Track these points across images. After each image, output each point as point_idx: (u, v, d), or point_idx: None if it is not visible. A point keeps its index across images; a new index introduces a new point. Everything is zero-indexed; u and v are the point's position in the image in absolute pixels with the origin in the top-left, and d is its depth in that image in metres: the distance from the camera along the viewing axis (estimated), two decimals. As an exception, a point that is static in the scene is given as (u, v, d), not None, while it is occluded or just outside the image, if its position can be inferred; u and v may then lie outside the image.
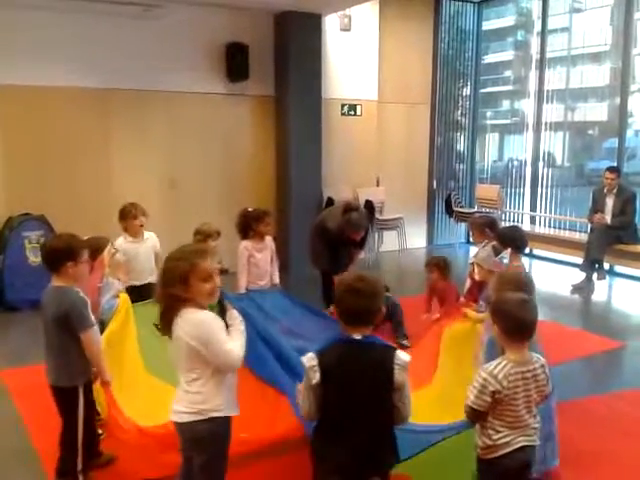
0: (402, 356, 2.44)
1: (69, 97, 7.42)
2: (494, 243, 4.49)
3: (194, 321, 2.54)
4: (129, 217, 5.00)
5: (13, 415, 4.17)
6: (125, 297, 3.88)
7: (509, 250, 4.33)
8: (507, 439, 2.60)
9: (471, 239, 5.08)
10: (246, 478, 3.12)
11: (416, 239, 10.22)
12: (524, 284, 3.17)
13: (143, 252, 5.03)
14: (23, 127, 7.28)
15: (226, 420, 2.65)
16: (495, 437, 2.60)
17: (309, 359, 2.42)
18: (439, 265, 5.35)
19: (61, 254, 3.17)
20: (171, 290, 2.55)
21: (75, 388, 3.20)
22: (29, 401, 3.47)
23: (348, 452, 2.45)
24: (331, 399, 2.43)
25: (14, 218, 7.03)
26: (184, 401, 2.60)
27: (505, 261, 4.26)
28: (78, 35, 7.34)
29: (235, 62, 8.26)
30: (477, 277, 4.29)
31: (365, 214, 5.90)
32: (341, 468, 2.48)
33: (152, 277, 4.80)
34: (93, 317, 3.24)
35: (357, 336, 2.44)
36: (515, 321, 2.62)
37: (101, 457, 3.49)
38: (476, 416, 2.62)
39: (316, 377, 2.39)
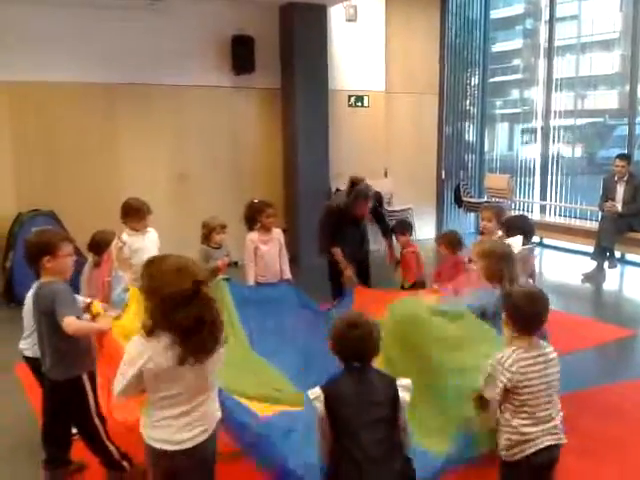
0: (403, 379, 2.50)
1: (76, 93, 7.44)
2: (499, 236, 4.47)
3: None
4: (137, 216, 4.84)
5: (27, 409, 4.22)
6: (135, 290, 3.87)
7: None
8: (532, 436, 2.56)
9: (480, 229, 5.03)
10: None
11: (425, 230, 10.17)
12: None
13: (147, 245, 4.96)
14: (32, 123, 7.31)
15: None
16: (524, 430, 2.57)
17: (313, 392, 2.46)
18: (448, 239, 5.28)
19: (37, 249, 3.16)
20: None
21: (77, 378, 3.22)
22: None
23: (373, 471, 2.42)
24: (341, 432, 2.43)
25: (24, 214, 7.07)
26: (197, 421, 2.43)
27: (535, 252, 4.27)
28: (85, 30, 7.36)
29: (241, 55, 8.25)
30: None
31: (372, 188, 5.71)
32: None
33: None
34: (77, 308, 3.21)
35: (356, 364, 2.50)
36: (524, 315, 2.63)
37: (70, 465, 3.43)
38: (484, 404, 2.64)
39: (320, 408, 2.41)
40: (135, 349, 2.36)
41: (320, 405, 2.41)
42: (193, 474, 2.49)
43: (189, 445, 2.40)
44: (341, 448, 2.43)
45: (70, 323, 3.04)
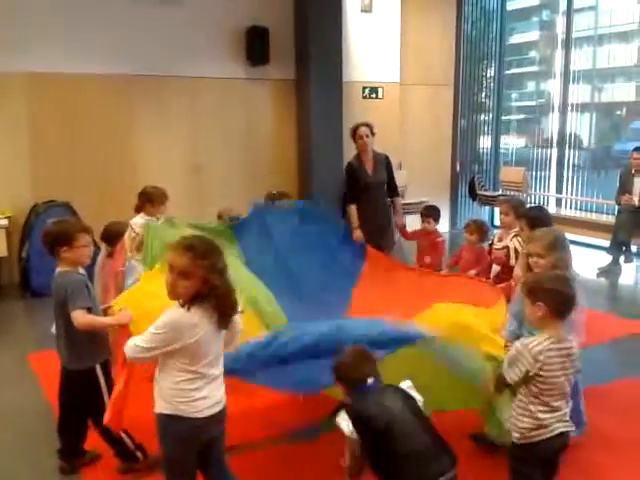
0: (402, 382, 2.73)
1: (93, 84, 7.46)
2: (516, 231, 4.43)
3: None
4: (157, 202, 4.93)
5: (41, 398, 4.27)
6: (148, 273, 3.85)
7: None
8: (548, 422, 2.60)
9: (499, 222, 5.01)
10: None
11: (439, 222, 10.12)
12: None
13: None
14: (49, 115, 7.34)
15: None
16: (542, 416, 2.60)
17: (340, 418, 2.57)
18: (480, 228, 5.26)
19: (54, 239, 3.20)
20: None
21: (90, 370, 3.23)
22: (57, 385, 3.53)
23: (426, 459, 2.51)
24: (390, 438, 2.50)
25: (40, 205, 7.11)
26: (221, 385, 2.66)
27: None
28: (101, 22, 7.37)
29: (255, 46, 8.23)
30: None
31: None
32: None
33: None
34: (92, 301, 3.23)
35: (370, 381, 2.64)
36: (561, 296, 2.63)
37: (85, 455, 3.48)
38: (503, 385, 2.66)
39: (354, 434, 2.53)
40: (181, 321, 2.47)
41: (352, 430, 2.52)
42: (222, 436, 2.73)
43: (222, 405, 2.63)
44: (393, 459, 2.50)
45: (77, 316, 3.07)
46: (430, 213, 5.73)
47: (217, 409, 2.59)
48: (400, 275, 4.77)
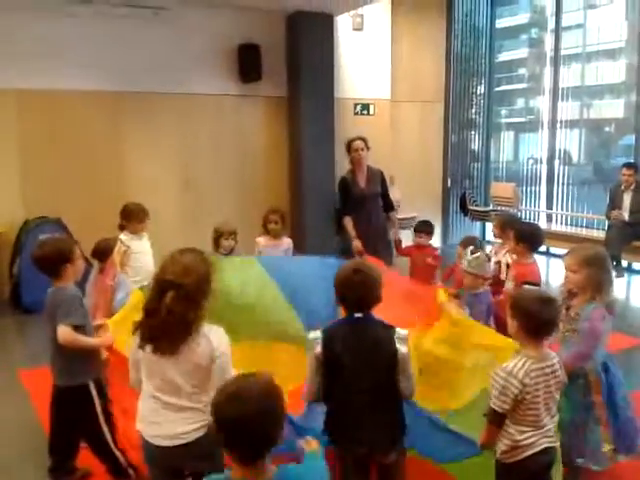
0: (401, 330, 2.61)
1: (83, 101, 7.46)
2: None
3: (219, 333, 2.50)
4: (135, 220, 5.02)
5: (32, 416, 4.22)
6: (138, 292, 3.84)
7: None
8: (532, 440, 2.55)
9: (493, 236, 5.04)
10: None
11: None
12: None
13: (143, 251, 5.03)
14: (39, 131, 7.33)
15: None
16: (519, 437, 2.55)
17: (314, 333, 2.61)
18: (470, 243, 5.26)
19: (57, 259, 3.20)
20: (200, 302, 2.43)
21: (83, 386, 3.21)
22: (48, 402, 3.51)
23: (361, 429, 2.58)
24: (338, 374, 2.57)
25: (31, 221, 7.09)
26: (190, 418, 2.47)
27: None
28: (91, 39, 7.38)
29: (247, 63, 8.27)
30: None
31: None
32: (355, 446, 2.61)
33: (147, 276, 4.80)
34: (86, 318, 3.23)
35: (358, 314, 2.61)
36: (535, 320, 2.57)
37: (76, 473, 3.45)
38: (499, 419, 2.56)
39: (317, 349, 2.56)
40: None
41: (318, 347, 2.55)
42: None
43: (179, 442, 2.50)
44: (336, 391, 2.59)
45: (64, 332, 3.07)
46: (423, 228, 5.75)
47: (170, 443, 2.46)
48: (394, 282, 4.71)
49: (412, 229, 5.96)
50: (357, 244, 5.69)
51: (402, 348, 2.56)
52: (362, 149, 6.01)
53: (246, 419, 1.77)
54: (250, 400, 1.79)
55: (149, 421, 2.49)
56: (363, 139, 6.09)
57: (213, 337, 2.45)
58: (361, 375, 2.56)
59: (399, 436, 2.68)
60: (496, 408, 2.53)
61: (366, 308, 2.62)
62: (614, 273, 7.62)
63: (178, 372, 2.42)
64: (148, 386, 2.49)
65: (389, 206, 6.23)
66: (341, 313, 2.76)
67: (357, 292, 2.60)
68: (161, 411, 2.46)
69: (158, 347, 2.40)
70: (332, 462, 2.55)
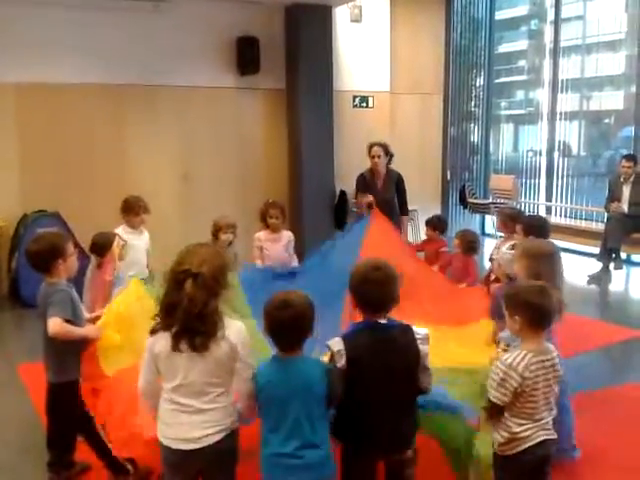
0: (420, 330, 2.56)
1: (82, 94, 7.43)
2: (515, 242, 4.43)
3: (238, 328, 2.44)
4: (132, 213, 5.06)
5: (30, 410, 4.21)
6: (137, 282, 3.82)
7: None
8: (529, 432, 2.56)
9: (497, 230, 5.03)
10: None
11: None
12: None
13: (139, 245, 5.04)
14: (38, 125, 7.31)
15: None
16: (517, 430, 2.56)
17: (336, 343, 2.48)
18: (464, 238, 5.25)
19: (49, 255, 3.17)
20: (219, 293, 2.38)
21: (76, 382, 3.22)
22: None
23: (378, 431, 2.51)
24: (359, 382, 2.47)
25: (29, 215, 7.07)
26: (206, 422, 2.41)
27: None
28: (90, 32, 7.35)
29: (246, 56, 8.23)
30: (494, 274, 4.23)
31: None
32: (371, 448, 2.55)
33: (140, 271, 4.80)
34: (77, 311, 3.22)
35: (382, 320, 2.53)
36: (536, 309, 2.58)
37: (75, 467, 3.44)
38: (497, 411, 2.57)
39: (342, 362, 2.45)
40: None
41: (342, 359, 2.45)
42: None
43: (197, 446, 2.45)
44: (356, 396, 2.48)
45: (54, 323, 3.05)
46: (434, 222, 5.74)
47: (185, 447, 2.40)
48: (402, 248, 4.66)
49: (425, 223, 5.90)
50: (368, 197, 5.67)
51: (424, 348, 2.53)
52: (379, 156, 6.05)
53: (290, 320, 2.34)
54: (294, 306, 2.36)
55: (166, 423, 2.44)
56: (383, 145, 6.10)
57: (233, 332, 2.39)
58: (384, 381, 2.48)
59: (414, 434, 2.63)
60: (495, 400, 2.54)
61: (386, 310, 2.53)
62: (612, 265, 7.69)
63: (201, 371, 2.36)
64: (166, 387, 2.42)
65: (401, 210, 6.37)
66: None
67: (377, 291, 2.49)
68: (178, 413, 2.40)
69: (191, 343, 2.32)
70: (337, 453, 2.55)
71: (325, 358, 2.55)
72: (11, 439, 3.94)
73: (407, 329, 2.55)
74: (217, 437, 2.39)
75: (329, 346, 2.47)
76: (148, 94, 7.84)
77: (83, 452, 3.42)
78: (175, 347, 2.32)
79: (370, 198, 5.73)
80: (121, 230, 4.92)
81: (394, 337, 2.52)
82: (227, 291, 2.41)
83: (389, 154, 6.22)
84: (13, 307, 6.83)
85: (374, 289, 2.49)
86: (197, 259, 2.36)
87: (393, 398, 2.51)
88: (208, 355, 2.34)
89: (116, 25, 7.51)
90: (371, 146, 6.17)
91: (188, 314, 2.29)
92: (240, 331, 2.42)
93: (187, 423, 2.38)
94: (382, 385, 2.48)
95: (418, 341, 2.51)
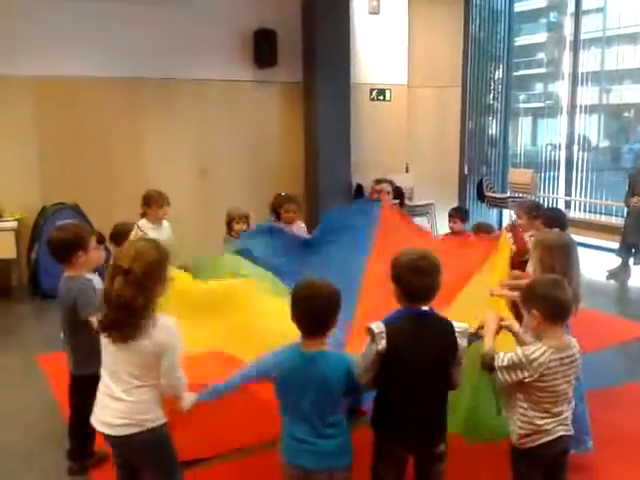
0: (459, 325, 2.54)
1: (100, 87, 7.48)
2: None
3: (169, 325, 2.51)
4: (155, 205, 5.07)
5: (50, 400, 4.28)
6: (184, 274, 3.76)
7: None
8: (549, 426, 2.57)
9: (515, 223, 4.99)
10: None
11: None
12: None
13: (159, 239, 5.04)
14: (56, 118, 7.36)
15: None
16: (539, 422, 2.56)
17: (377, 326, 2.47)
18: (481, 230, 5.24)
19: (70, 245, 3.19)
20: (151, 288, 2.46)
21: (95, 376, 3.24)
22: (66, 386, 3.56)
23: (413, 422, 2.52)
24: (395, 370, 2.48)
25: (48, 207, 7.14)
26: (119, 411, 2.51)
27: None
28: (108, 25, 7.39)
29: (263, 49, 8.23)
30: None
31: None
32: (406, 439, 2.56)
33: None
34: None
35: (425, 307, 2.53)
36: (554, 302, 2.57)
37: (93, 457, 3.49)
38: (490, 367, 2.58)
39: (382, 344, 2.43)
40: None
41: (383, 341, 2.43)
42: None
43: (112, 432, 2.59)
44: (395, 387, 2.50)
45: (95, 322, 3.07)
46: (456, 214, 5.72)
47: (104, 430, 2.56)
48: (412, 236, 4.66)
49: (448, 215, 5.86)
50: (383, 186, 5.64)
51: (462, 342, 2.52)
52: (388, 192, 5.80)
53: (316, 307, 2.40)
54: (320, 294, 2.42)
55: (96, 405, 2.60)
56: (391, 182, 5.96)
57: (162, 330, 2.47)
58: (424, 372, 2.49)
59: (446, 428, 2.62)
60: (499, 374, 2.55)
61: (429, 299, 2.53)
62: (631, 260, 7.60)
63: (126, 361, 2.48)
64: (102, 372, 2.58)
65: None
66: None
67: (424, 280, 2.49)
68: (103, 396, 2.56)
69: (111, 334, 2.47)
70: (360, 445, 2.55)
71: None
72: (31, 427, 4.00)
73: (447, 321, 2.56)
74: (127, 430, 2.49)
75: (370, 328, 2.47)
76: (164, 87, 7.87)
77: (101, 440, 3.45)
78: (107, 336, 2.49)
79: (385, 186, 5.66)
80: (142, 223, 4.94)
81: (436, 326, 2.54)
82: (163, 285, 2.51)
83: (397, 195, 6.04)
84: (33, 298, 6.91)
85: (421, 278, 2.49)
86: (131, 255, 2.45)
87: (431, 387, 2.52)
88: (134, 347, 2.45)
89: (134, 19, 7.54)
90: (378, 182, 5.91)
91: (116, 308, 2.41)
92: (170, 331, 2.50)
93: (110, 408, 2.52)
94: (421, 373, 2.49)
95: (457, 334, 2.51)
